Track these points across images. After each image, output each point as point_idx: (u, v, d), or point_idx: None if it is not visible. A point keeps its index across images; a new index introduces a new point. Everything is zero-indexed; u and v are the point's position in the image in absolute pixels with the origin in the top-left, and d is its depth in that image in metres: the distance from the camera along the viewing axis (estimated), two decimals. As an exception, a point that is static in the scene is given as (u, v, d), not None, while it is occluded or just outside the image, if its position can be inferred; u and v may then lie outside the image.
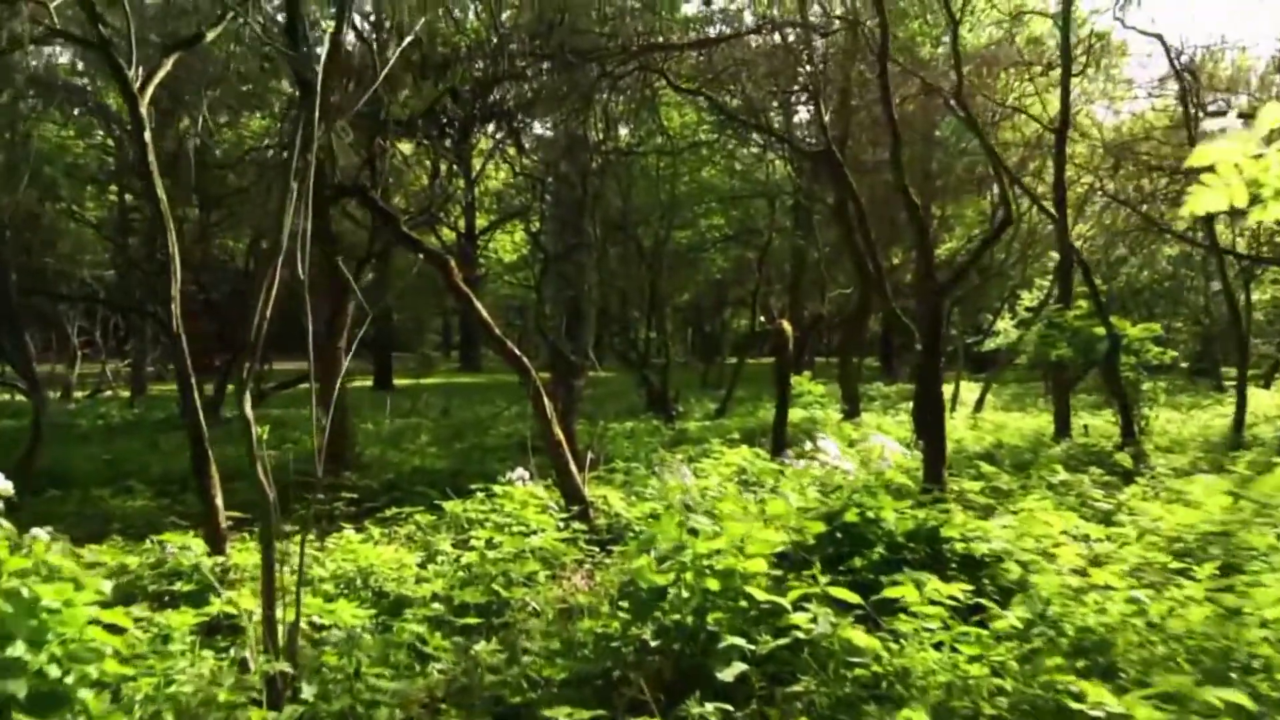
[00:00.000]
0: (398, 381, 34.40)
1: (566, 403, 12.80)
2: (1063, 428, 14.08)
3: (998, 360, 37.76)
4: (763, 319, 13.89)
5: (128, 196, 25.12)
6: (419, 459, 12.12)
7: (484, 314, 9.06)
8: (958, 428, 15.89)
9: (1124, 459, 11.18)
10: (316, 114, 4.77)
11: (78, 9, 8.39)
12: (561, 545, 7.36)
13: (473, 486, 9.65)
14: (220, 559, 6.33)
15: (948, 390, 27.83)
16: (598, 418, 18.41)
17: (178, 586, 5.82)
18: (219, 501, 7.13)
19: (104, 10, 8.43)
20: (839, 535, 6.06)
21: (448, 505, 8.79)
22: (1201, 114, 17.20)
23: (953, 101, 12.59)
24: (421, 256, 9.96)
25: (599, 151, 22.04)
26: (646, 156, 25.24)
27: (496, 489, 9.36)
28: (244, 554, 6.78)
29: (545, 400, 8.88)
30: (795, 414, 19.80)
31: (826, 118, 15.54)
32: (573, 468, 8.80)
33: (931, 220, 35.89)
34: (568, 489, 8.71)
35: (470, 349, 48.12)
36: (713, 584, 4.84)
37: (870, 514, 6.12)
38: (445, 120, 15.00)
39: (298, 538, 8.03)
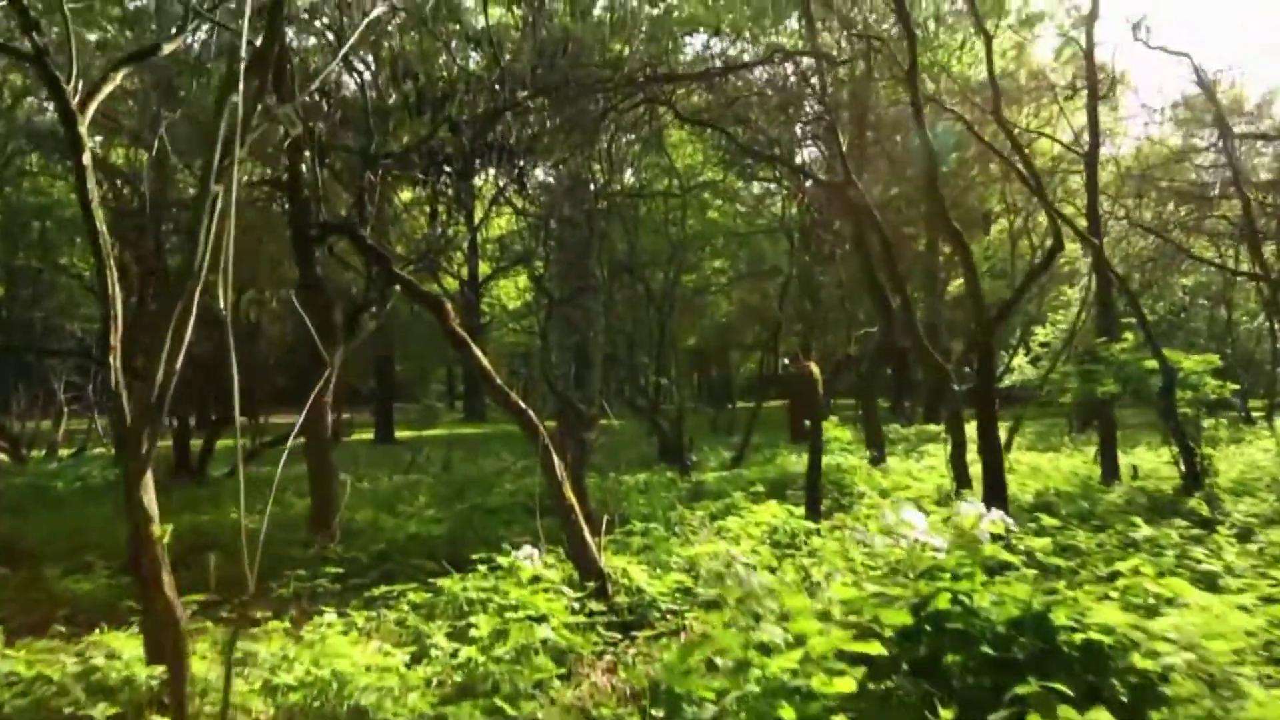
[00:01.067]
0: (400, 434, 33.14)
1: (577, 457, 11.59)
2: (1110, 470, 12.83)
3: (1013, 398, 36.69)
4: (786, 360, 12.71)
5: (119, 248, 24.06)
6: (415, 523, 10.86)
7: (484, 362, 7.88)
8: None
9: (1199, 505, 9.95)
10: (240, 96, 3.61)
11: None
12: (577, 636, 6.10)
13: (474, 557, 8.49)
14: (160, 670, 5.06)
15: (969, 429, 26.71)
16: (608, 470, 17.17)
17: (98, 711, 4.56)
18: (171, 593, 5.87)
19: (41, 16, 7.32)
20: (928, 628, 4.80)
21: (444, 583, 7.56)
22: (1235, 139, 16.20)
23: (984, 121, 11.49)
24: (415, 299, 8.79)
25: (603, 194, 21.07)
26: (653, 198, 24.31)
27: (501, 560, 8.17)
28: (203, 661, 5.52)
29: (555, 459, 7.67)
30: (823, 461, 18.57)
31: (844, 147, 14.46)
32: (587, 536, 7.56)
33: (939, 258, 34.98)
34: (583, 561, 7.48)
35: (474, 399, 46.85)
36: (789, 716, 3.60)
37: (964, 598, 4.87)
38: (443, 157, 13.93)
39: (272, 624, 6.80)
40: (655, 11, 19.36)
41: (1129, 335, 12.16)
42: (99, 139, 18.56)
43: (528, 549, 6.22)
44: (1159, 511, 9.93)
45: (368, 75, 13.45)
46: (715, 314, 38.08)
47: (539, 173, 29.63)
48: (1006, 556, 5.63)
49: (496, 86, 13.37)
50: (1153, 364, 11.25)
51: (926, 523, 5.57)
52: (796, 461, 19.40)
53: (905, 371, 34.82)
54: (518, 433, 18.03)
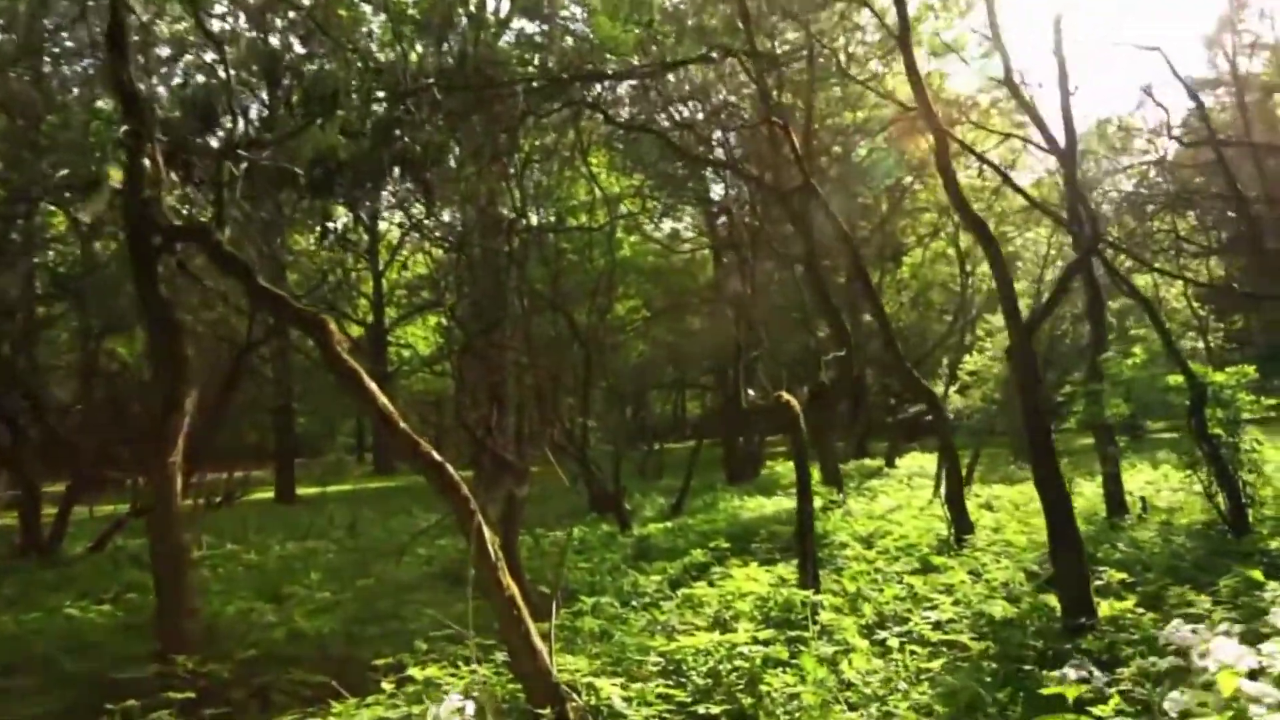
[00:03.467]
0: (303, 491, 29.94)
1: (507, 517, 9.23)
2: (1118, 503, 11.03)
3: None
4: (752, 392, 10.68)
5: None
6: (302, 613, 8.32)
7: (380, 399, 5.55)
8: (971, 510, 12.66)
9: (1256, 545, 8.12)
10: None
11: None
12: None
13: (378, 662, 6.15)
14: None
15: (918, 460, 24.98)
16: (534, 525, 14.65)
17: None
18: None
19: None
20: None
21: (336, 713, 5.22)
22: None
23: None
24: (291, 321, 6.40)
25: (518, 228, 18.90)
26: (572, 231, 22.23)
27: (413, 672, 5.84)
28: None
29: (485, 532, 5.36)
30: (773, 505, 16.47)
31: (798, 149, 12.56)
32: (534, 638, 5.25)
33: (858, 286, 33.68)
34: (532, 680, 5.16)
35: (385, 450, 43.64)
36: None
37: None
38: (334, 167, 11.52)
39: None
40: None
41: (1137, 350, 10.41)
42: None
43: (455, 700, 3.85)
44: (1219, 559, 8.01)
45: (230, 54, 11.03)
46: (631, 354, 36.04)
47: (446, 215, 27.51)
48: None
49: (399, 90, 11.14)
50: (1175, 379, 9.48)
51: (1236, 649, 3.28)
52: (741, 506, 17.32)
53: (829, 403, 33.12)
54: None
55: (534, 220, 21.57)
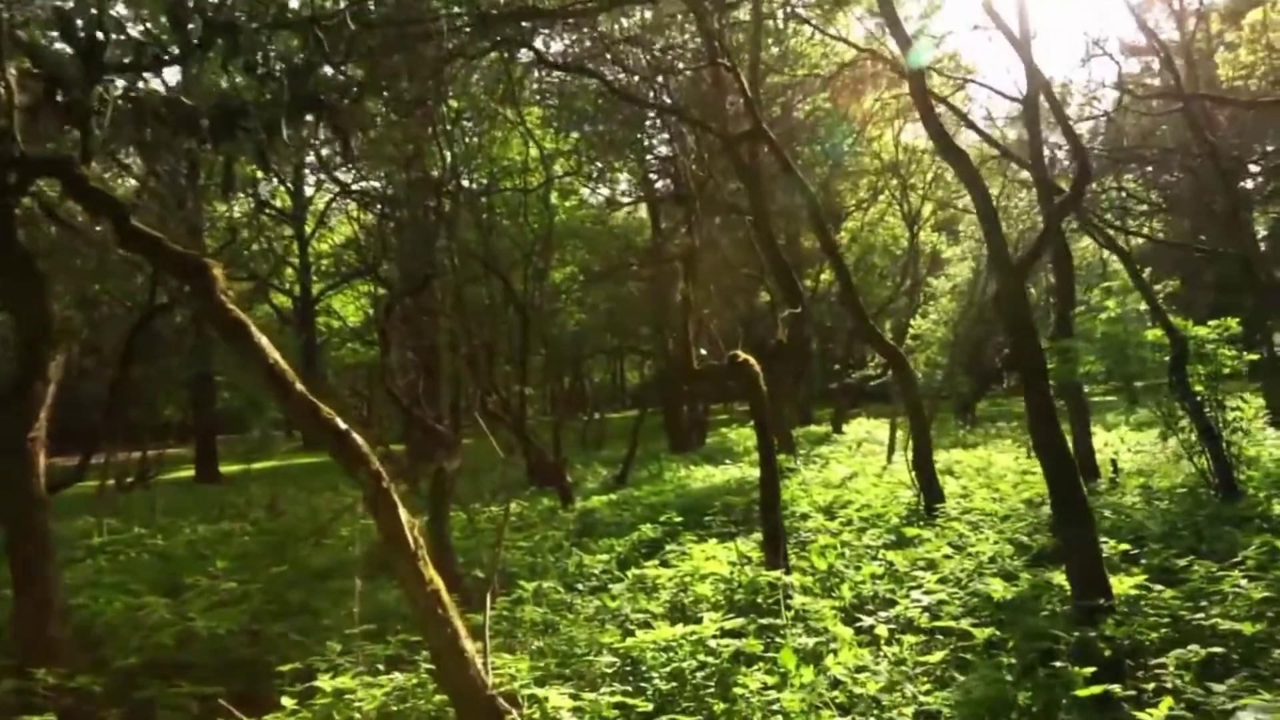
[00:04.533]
0: (226, 469, 28.37)
1: (436, 495, 8.20)
2: (1089, 467, 10.40)
3: (888, 395, 34.95)
4: (704, 351, 9.75)
5: None
6: (200, 609, 7.19)
7: (269, 353, 4.50)
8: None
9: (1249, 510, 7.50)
10: None
11: None
12: None
13: (283, 669, 5.21)
14: None
15: (864, 426, 24.32)
16: (470, 500, 13.53)
17: None
18: None
19: None
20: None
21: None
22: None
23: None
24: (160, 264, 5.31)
25: (446, 190, 17.71)
26: (503, 193, 21.03)
27: (322, 682, 4.89)
28: None
29: (400, 516, 4.36)
30: (722, 474, 15.65)
31: (748, 91, 11.59)
32: (464, 642, 4.29)
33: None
34: (461, 694, 4.20)
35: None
36: None
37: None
38: (237, 108, 10.18)
39: None
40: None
41: (1110, 304, 9.73)
42: None
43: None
44: (1217, 525, 7.34)
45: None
46: (569, 321, 34.91)
47: (376, 183, 26.03)
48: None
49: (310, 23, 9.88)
50: (1155, 334, 8.84)
51: None
52: (689, 476, 16.47)
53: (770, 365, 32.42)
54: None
55: (465, 183, 20.32)
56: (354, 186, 26.71)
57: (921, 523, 8.46)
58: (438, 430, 8.15)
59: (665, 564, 8.15)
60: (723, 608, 6.11)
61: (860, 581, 6.53)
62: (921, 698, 4.31)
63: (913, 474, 9.73)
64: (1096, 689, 3.85)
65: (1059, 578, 5.52)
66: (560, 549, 9.91)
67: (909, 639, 5.13)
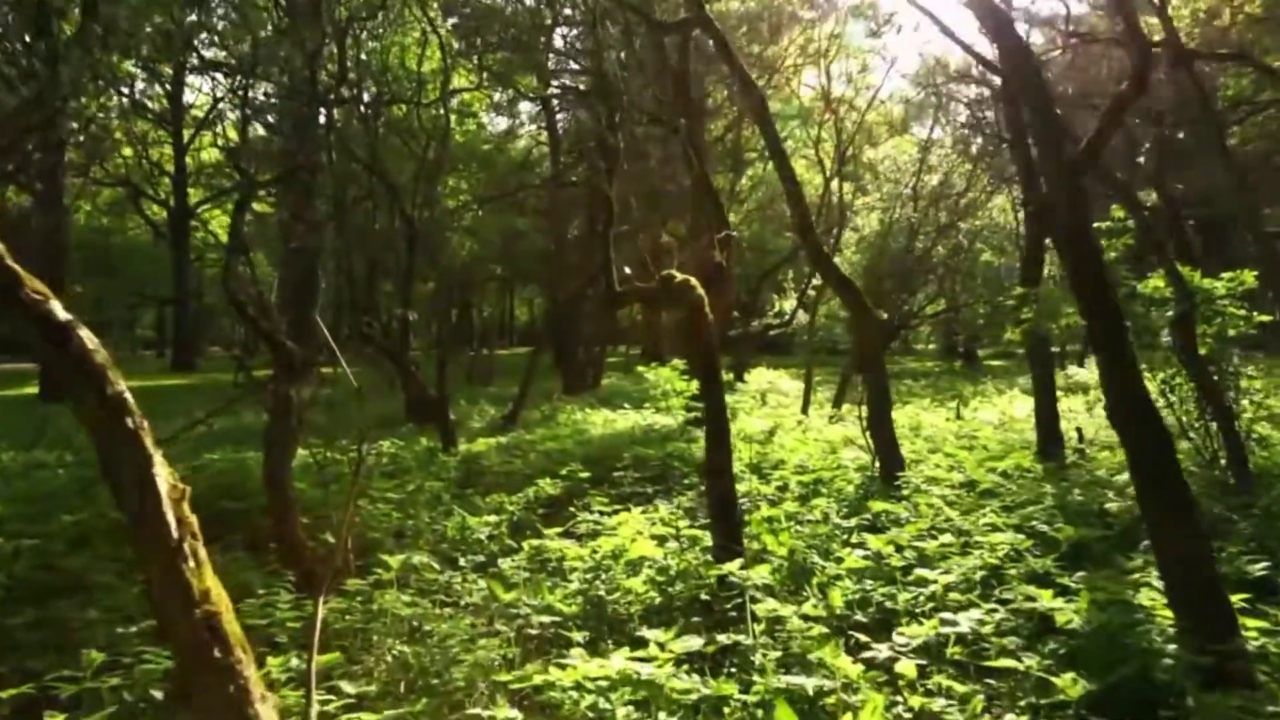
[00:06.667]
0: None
1: (276, 431, 6.10)
2: (1052, 438, 8.98)
3: (776, 346, 33.73)
4: (628, 269, 7.80)
5: None
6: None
7: None
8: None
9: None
10: None
11: None
12: None
13: (4, 695, 3.17)
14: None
15: (765, 376, 22.81)
16: (337, 435, 11.17)
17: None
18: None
19: None
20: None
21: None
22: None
23: None
24: None
25: (338, 98, 15.23)
26: (396, 104, 18.52)
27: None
28: None
29: (160, 493, 2.36)
30: (623, 420, 13.81)
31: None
32: (252, 710, 2.34)
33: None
34: None
35: (184, 345, 38.29)
36: None
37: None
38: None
39: None
40: None
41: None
42: None
43: None
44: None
45: None
46: (460, 250, 32.25)
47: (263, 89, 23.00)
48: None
49: None
50: (1157, 284, 7.37)
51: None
52: (586, 420, 14.61)
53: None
54: (230, 385, 12.36)
55: (359, 93, 17.80)
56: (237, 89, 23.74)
57: (884, 495, 6.78)
58: (285, 346, 6.02)
59: (572, 535, 6.30)
60: (663, 615, 4.28)
61: (837, 576, 4.81)
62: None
63: (866, 435, 8.10)
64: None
65: (1143, 596, 3.86)
66: (439, 503, 7.93)
67: (944, 680, 3.42)
